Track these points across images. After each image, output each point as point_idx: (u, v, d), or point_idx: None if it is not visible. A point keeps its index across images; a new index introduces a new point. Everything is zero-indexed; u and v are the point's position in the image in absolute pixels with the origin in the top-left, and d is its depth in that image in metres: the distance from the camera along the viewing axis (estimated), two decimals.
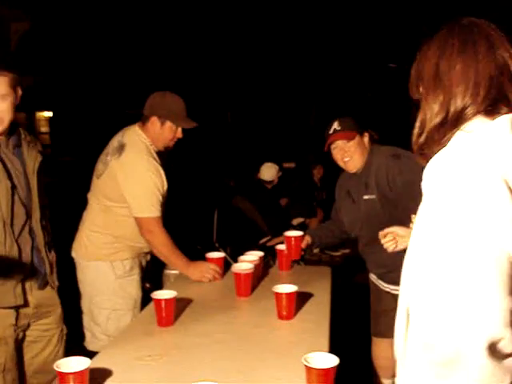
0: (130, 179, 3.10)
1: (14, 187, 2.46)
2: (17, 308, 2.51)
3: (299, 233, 3.37)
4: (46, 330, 2.73)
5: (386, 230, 2.56)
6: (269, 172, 6.86)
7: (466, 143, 1.21)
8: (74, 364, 1.84)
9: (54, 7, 9.35)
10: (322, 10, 10.37)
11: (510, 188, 1.11)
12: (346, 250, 8.26)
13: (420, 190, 2.69)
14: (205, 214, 6.62)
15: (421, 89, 1.33)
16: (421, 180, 2.18)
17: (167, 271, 3.54)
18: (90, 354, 2.12)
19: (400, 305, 1.31)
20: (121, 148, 3.16)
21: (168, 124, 3.17)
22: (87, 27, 10.21)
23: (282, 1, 10.03)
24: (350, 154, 3.06)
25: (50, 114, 14.43)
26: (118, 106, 11.52)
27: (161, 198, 3.14)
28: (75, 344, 3.05)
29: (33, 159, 2.58)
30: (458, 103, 1.25)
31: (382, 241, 2.56)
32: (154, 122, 3.17)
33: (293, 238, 3.29)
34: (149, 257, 3.40)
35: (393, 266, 2.41)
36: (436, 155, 1.23)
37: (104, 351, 2.27)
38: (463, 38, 1.28)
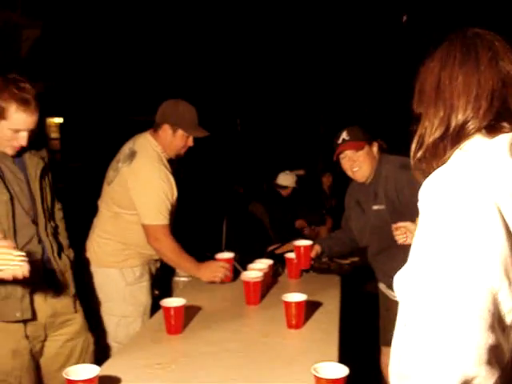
0: (140, 186, 3.10)
1: (12, 198, 2.43)
2: (25, 321, 2.49)
3: (308, 242, 3.37)
4: (67, 340, 2.71)
5: (399, 224, 2.57)
6: (286, 178, 6.86)
7: (462, 163, 1.17)
8: (83, 371, 1.84)
9: (65, 14, 9.41)
10: (331, 18, 10.38)
11: (501, 214, 1.06)
12: (355, 259, 8.21)
13: None
14: (214, 221, 6.63)
15: (422, 102, 1.30)
16: None
17: (176, 278, 3.54)
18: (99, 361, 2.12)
19: (399, 315, 1.30)
20: (132, 155, 3.17)
21: (180, 132, 3.17)
22: (98, 34, 10.27)
23: (292, 9, 10.05)
24: (358, 163, 3.07)
25: (60, 120, 14.48)
26: (128, 112, 11.55)
27: (170, 206, 3.15)
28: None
29: (34, 166, 2.57)
30: (459, 117, 1.20)
31: (394, 233, 2.57)
32: (166, 130, 3.18)
33: (302, 248, 3.29)
34: (159, 264, 3.40)
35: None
36: (433, 173, 1.18)
37: (113, 359, 2.27)
38: (466, 50, 1.24)
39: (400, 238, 2.59)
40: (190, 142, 3.24)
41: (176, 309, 2.46)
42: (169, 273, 3.48)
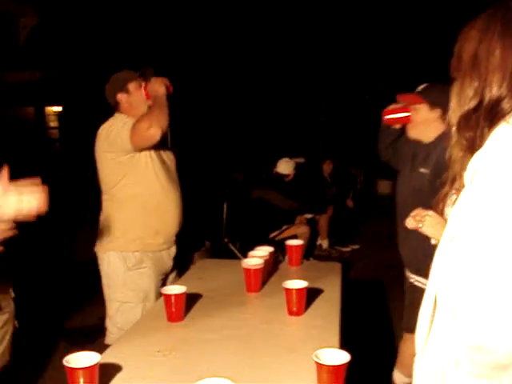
0: (106, 132, 3.17)
1: None
2: None
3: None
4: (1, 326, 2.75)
5: (425, 213, 2.44)
6: (285, 166, 6.93)
7: None
8: (84, 359, 1.83)
9: (63, 2, 9.36)
10: (331, 9, 10.34)
11: None
12: (356, 246, 8.25)
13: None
14: (214, 209, 6.63)
15: (458, 70, 1.27)
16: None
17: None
18: (102, 348, 2.12)
19: (426, 298, 1.27)
20: None
21: (131, 87, 3.26)
22: (96, 21, 10.22)
23: (292, 3, 10.02)
24: (413, 124, 3.03)
25: (59, 108, 14.46)
26: None
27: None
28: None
29: None
30: (493, 92, 1.18)
31: (409, 217, 2.45)
32: (122, 100, 3.27)
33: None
34: (173, 251, 3.43)
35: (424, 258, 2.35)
36: (484, 148, 1.16)
37: (113, 346, 2.26)
38: (506, 23, 1.20)
39: (410, 223, 2.43)
40: (146, 92, 3.25)
41: (177, 296, 2.45)
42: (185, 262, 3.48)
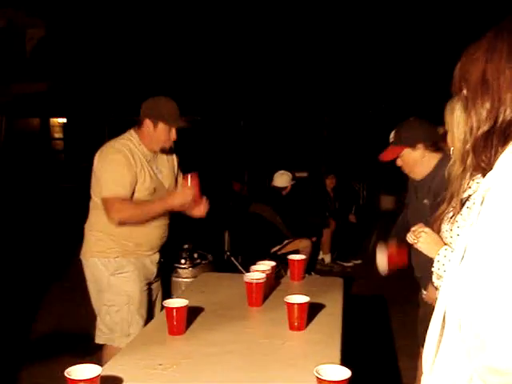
0: (101, 163, 3.24)
1: None
2: None
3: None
4: None
5: (421, 229, 2.48)
6: (281, 179, 6.94)
7: None
8: (85, 371, 1.83)
9: (69, 14, 9.43)
10: (336, 22, 10.38)
11: None
12: (358, 261, 8.24)
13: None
14: (216, 222, 6.62)
15: (465, 91, 1.27)
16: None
17: (176, 279, 3.56)
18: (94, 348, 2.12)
19: (435, 318, 1.26)
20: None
21: (161, 125, 3.26)
22: (102, 34, 10.29)
23: (296, 10, 10.06)
24: (404, 167, 3.10)
25: (64, 120, 14.52)
26: (131, 112, 11.57)
27: (127, 183, 3.20)
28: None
29: None
30: (507, 112, 1.18)
31: (413, 228, 2.50)
32: (148, 125, 3.28)
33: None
34: (156, 257, 3.47)
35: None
36: (496, 169, 1.15)
37: (115, 359, 2.26)
38: None
39: (410, 239, 2.52)
40: (173, 135, 3.32)
41: (178, 309, 2.46)
42: (168, 271, 3.50)
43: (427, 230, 2.47)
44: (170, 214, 3.45)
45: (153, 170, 3.33)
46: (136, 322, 3.28)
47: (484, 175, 1.20)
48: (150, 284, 3.47)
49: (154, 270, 3.46)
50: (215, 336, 2.47)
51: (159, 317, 2.73)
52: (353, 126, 13.36)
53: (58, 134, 14.77)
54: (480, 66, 1.22)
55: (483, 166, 1.22)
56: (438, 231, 2.50)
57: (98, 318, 3.35)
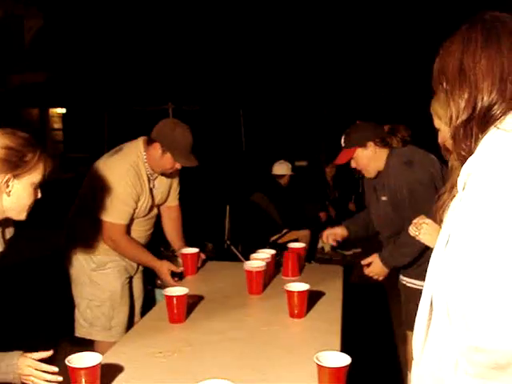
0: (109, 182, 3.13)
1: None
2: None
3: (301, 244, 3.47)
4: None
5: (422, 221, 2.51)
6: (280, 167, 6.96)
7: (507, 142, 1.16)
8: (86, 360, 1.84)
9: (68, 4, 9.39)
10: (334, 11, 10.36)
11: None
12: (358, 250, 8.24)
13: (420, 199, 2.74)
14: (216, 211, 6.63)
15: (444, 84, 1.30)
16: (423, 189, 2.21)
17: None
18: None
19: (422, 304, 1.27)
20: (118, 150, 3.25)
21: (168, 155, 3.16)
22: (101, 24, 10.25)
23: (298, 11, 10.04)
24: (359, 166, 3.19)
25: (63, 110, 14.49)
26: (130, 102, 11.55)
27: (131, 210, 3.19)
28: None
29: None
30: (484, 99, 1.21)
31: (411, 226, 2.53)
32: (157, 149, 3.16)
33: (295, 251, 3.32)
34: None
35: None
36: (475, 154, 1.18)
37: (115, 347, 2.27)
38: (486, 33, 1.24)
39: (412, 231, 2.54)
40: (178, 166, 3.24)
41: (179, 297, 2.46)
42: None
43: (428, 221, 2.48)
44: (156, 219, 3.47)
45: (151, 189, 3.30)
46: (117, 316, 3.29)
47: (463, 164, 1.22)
48: (131, 278, 3.46)
49: (135, 264, 3.44)
50: (215, 324, 2.47)
51: (159, 305, 2.74)
52: (352, 115, 13.34)
53: (57, 125, 14.73)
54: (457, 58, 1.26)
55: (463, 155, 1.24)
56: (440, 222, 2.50)
57: (77, 311, 3.33)
